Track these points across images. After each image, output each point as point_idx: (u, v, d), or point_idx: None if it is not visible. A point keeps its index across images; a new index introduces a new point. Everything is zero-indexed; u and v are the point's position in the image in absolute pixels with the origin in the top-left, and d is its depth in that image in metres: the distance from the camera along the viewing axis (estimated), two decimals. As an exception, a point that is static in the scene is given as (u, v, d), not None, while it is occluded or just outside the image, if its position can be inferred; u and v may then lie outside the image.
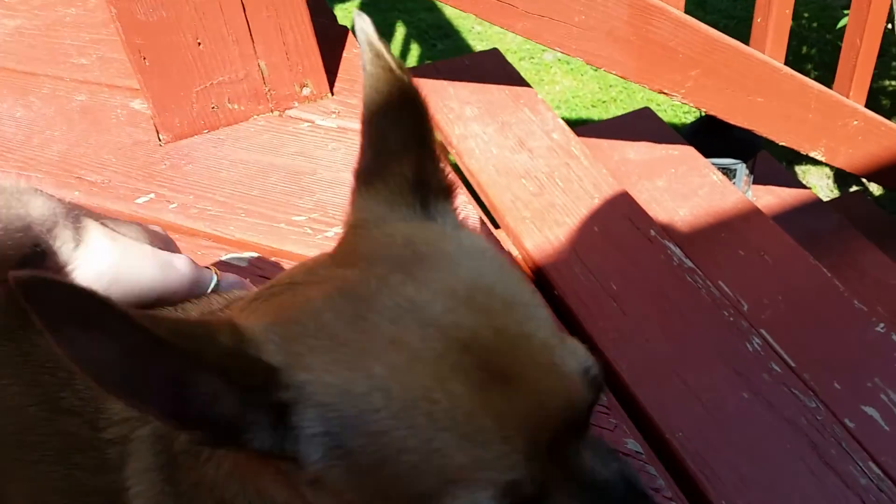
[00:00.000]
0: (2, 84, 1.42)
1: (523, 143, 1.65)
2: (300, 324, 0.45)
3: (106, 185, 1.17)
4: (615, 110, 3.16)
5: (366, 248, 0.50)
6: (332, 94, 1.32)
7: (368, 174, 0.54)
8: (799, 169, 2.92)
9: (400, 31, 3.49)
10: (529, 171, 1.58)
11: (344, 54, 1.39)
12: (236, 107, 1.25)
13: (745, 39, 1.75)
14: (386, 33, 3.50)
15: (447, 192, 0.55)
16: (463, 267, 0.49)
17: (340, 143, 1.23)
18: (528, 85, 1.78)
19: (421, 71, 1.83)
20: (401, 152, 0.53)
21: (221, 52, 1.20)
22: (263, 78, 1.25)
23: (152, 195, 1.15)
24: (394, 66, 0.54)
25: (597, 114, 3.17)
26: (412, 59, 3.37)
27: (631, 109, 3.14)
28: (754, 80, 1.70)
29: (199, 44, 1.18)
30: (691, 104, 1.69)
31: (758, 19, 1.74)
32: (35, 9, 1.61)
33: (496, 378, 0.44)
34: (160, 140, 1.24)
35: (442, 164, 0.56)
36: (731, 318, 1.30)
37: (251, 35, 1.20)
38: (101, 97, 1.36)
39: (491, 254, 0.52)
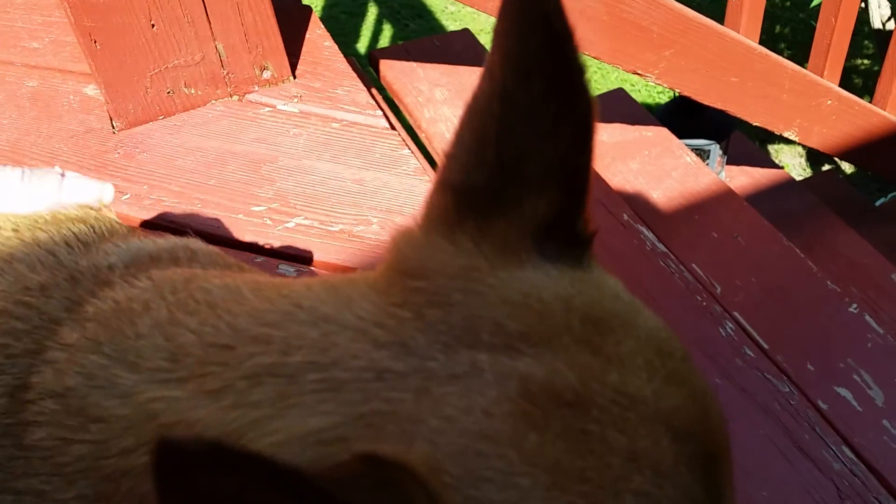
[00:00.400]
0: (-51, 71, 1.35)
1: (494, 125, 1.61)
2: (484, 455, 0.30)
3: (57, 175, 1.12)
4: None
5: (523, 320, 0.34)
6: (294, 77, 1.27)
7: (481, 200, 0.37)
8: (772, 148, 2.91)
9: (372, 11, 3.43)
10: (500, 154, 1.55)
11: (307, 35, 1.34)
12: (193, 91, 1.21)
13: (719, 17, 1.72)
14: (357, 13, 3.44)
15: (586, 242, 0.39)
16: (640, 328, 0.36)
17: (302, 129, 1.19)
18: (498, 66, 1.74)
19: (390, 52, 1.78)
20: (541, 180, 0.36)
21: (176, 33, 1.15)
22: (221, 61, 1.20)
23: (105, 185, 1.10)
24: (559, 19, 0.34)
25: (571, 94, 3.15)
26: (384, 40, 3.31)
27: (605, 89, 3.12)
28: (729, 59, 1.68)
29: (153, 25, 1.13)
30: (665, 85, 1.66)
31: (732, -2, 1.72)
32: (-16, -10, 1.54)
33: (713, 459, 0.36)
34: (114, 127, 1.19)
35: (588, 207, 0.39)
36: (704, 304, 1.28)
37: (207, 15, 1.15)
38: (53, 83, 1.30)
39: (634, 298, 0.39)
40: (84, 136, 1.19)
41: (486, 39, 3.19)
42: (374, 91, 1.52)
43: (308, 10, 1.40)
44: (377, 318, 0.35)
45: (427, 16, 3.47)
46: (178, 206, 1.07)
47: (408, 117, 1.65)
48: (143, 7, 1.11)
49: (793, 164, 2.86)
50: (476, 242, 0.37)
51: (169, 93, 1.19)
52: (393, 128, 1.18)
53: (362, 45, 3.30)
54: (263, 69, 1.24)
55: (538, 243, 0.37)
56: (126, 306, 0.42)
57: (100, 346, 0.40)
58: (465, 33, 1.87)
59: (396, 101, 1.70)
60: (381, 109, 1.24)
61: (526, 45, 0.35)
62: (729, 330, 1.24)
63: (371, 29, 3.32)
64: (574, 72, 0.35)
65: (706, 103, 1.73)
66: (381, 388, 0.32)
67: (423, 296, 0.35)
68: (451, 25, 3.42)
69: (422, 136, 1.61)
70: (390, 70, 1.72)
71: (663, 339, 0.37)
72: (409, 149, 1.14)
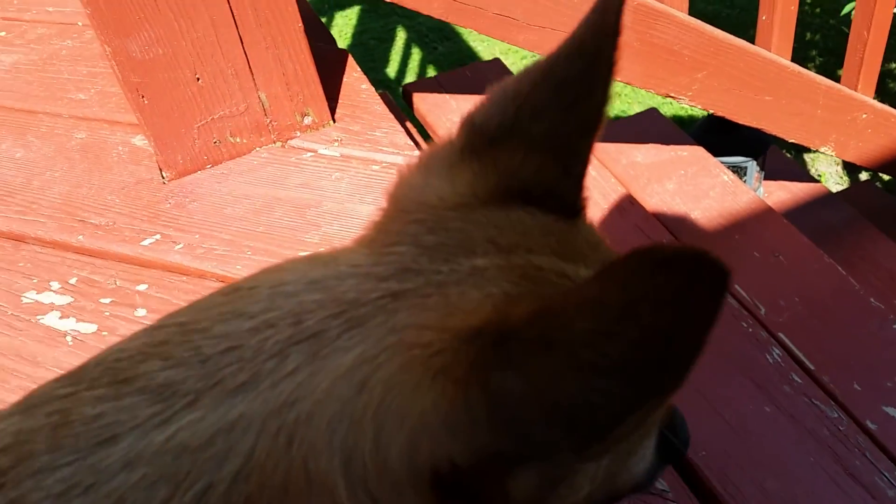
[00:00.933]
0: (1, 123, 1.40)
1: (529, 154, 1.62)
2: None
3: (111, 228, 1.16)
4: (619, 105, 3.13)
5: (512, 238, 0.41)
6: (334, 121, 1.30)
7: (485, 143, 0.43)
8: (808, 157, 2.89)
9: (400, 36, 3.47)
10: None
11: (344, 79, 1.37)
12: (238, 140, 1.24)
13: (746, 28, 1.72)
14: (386, 38, 3.48)
15: (578, 212, 0.45)
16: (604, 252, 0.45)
17: (344, 173, 1.21)
18: (531, 93, 1.76)
19: (423, 85, 1.81)
20: (542, 145, 0.42)
21: (221, 86, 1.18)
22: (264, 109, 1.23)
23: (158, 236, 1.14)
24: None
25: (600, 110, 3.15)
26: (413, 64, 3.34)
27: (633, 104, 3.11)
28: (761, 79, 1.68)
29: (198, 79, 1.17)
30: (699, 106, 1.66)
31: (763, 17, 1.71)
32: (31, 42, 1.59)
33: None
34: (163, 177, 1.23)
35: (585, 183, 0.45)
36: (750, 329, 1.28)
37: (250, 68, 1.19)
38: (102, 134, 1.34)
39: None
40: (135, 188, 1.23)
41: (514, 59, 3.20)
42: (408, 124, 1.54)
43: (344, 54, 1.42)
44: (372, 259, 0.39)
45: (455, 38, 3.50)
46: (228, 253, 1.10)
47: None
48: (188, 62, 1.15)
49: (829, 172, 2.83)
50: (471, 184, 0.42)
51: (216, 142, 1.22)
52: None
53: (392, 70, 3.34)
54: (305, 115, 1.27)
55: (524, 199, 0.42)
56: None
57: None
58: (496, 63, 1.89)
59: (430, 133, 1.72)
60: (419, 147, 1.26)
61: (586, 29, 0.42)
62: (776, 356, 1.24)
63: (400, 53, 3.36)
64: (607, 65, 0.42)
65: (740, 122, 1.73)
66: (400, 306, 0.36)
67: (423, 226, 0.41)
68: (479, 47, 3.44)
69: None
70: (423, 103, 1.75)
71: None
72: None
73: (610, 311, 0.29)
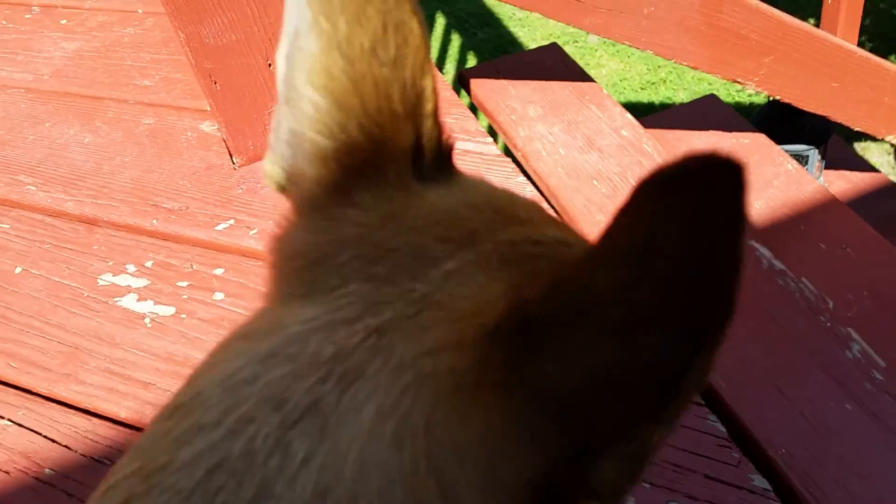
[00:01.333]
0: (67, 109, 1.41)
1: (592, 142, 1.60)
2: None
3: (184, 212, 1.16)
4: (665, 91, 3.09)
5: (457, 227, 0.37)
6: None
7: (359, 151, 0.39)
8: (858, 146, 2.83)
9: (440, 22, 3.44)
10: (601, 171, 1.54)
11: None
12: (308, 125, 1.23)
13: (800, 10, 1.68)
14: (426, 25, 3.46)
15: (449, 155, 0.42)
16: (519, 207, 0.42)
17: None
18: (591, 80, 1.73)
19: (480, 71, 1.78)
20: (402, 112, 0.39)
21: (292, 70, 1.17)
22: (335, 95, 1.22)
23: (232, 221, 1.13)
24: None
25: (646, 96, 3.10)
26: (454, 50, 3.32)
27: (681, 90, 3.07)
28: (829, 64, 1.64)
29: (270, 64, 1.16)
30: (765, 92, 1.63)
31: (828, 0, 1.67)
32: (92, 30, 1.60)
33: None
34: (234, 163, 1.22)
35: (443, 125, 0.41)
36: (829, 324, 1.25)
37: (321, 52, 1.17)
38: (169, 120, 1.34)
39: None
40: (206, 173, 1.22)
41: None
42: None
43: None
44: (326, 307, 0.33)
45: (494, 23, 3.47)
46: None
47: (502, 136, 1.65)
48: (261, 48, 1.14)
49: (881, 162, 2.77)
50: (372, 191, 0.37)
51: (286, 128, 1.21)
52: (506, 154, 1.18)
53: (432, 56, 3.32)
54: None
55: (418, 173, 0.38)
56: None
57: None
58: (554, 48, 1.86)
59: (490, 120, 1.70)
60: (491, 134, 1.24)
61: None
62: (855, 352, 1.21)
63: (440, 40, 3.33)
64: (402, 6, 0.39)
65: (806, 109, 1.69)
66: (394, 338, 0.31)
67: (361, 259, 0.35)
68: (520, 32, 3.41)
69: (518, 154, 1.61)
70: (481, 89, 1.73)
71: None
72: (524, 175, 1.14)
73: (630, 254, 0.25)
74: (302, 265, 0.36)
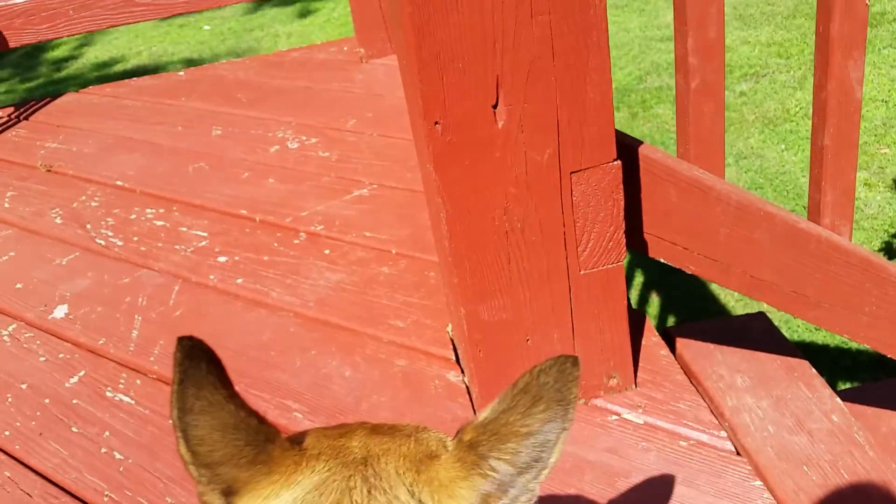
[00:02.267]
0: (329, 339, 1.61)
1: (802, 423, 1.63)
2: None
3: (435, 465, 1.29)
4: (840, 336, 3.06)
5: None
6: (636, 385, 1.39)
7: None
8: None
9: (638, 272, 3.60)
10: (811, 457, 1.55)
11: (643, 342, 1.47)
12: (551, 396, 1.36)
13: None
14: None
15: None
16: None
17: (651, 444, 1.28)
18: (800, 356, 1.78)
19: (686, 331, 1.88)
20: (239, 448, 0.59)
21: (545, 347, 1.32)
22: (579, 372, 1.35)
23: (478, 481, 1.25)
24: None
25: (821, 337, 3.11)
26: (654, 304, 3.43)
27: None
28: None
29: (528, 340, 1.31)
30: (869, 345, 1.64)
31: None
32: (352, 264, 1.84)
33: None
34: (481, 422, 1.36)
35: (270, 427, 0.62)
36: None
37: (573, 334, 1.32)
38: (419, 364, 1.51)
39: None
40: (451, 424, 1.36)
41: (753, 307, 3.22)
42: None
43: (643, 316, 1.54)
44: (309, 481, 0.59)
45: (692, 279, 3.60)
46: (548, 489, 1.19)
47: (708, 403, 1.71)
48: (523, 328, 1.30)
49: None
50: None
51: (532, 397, 1.35)
52: (739, 453, 1.24)
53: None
54: (611, 377, 1.37)
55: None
56: None
57: None
58: (762, 317, 1.93)
59: (694, 383, 1.78)
60: (722, 426, 1.31)
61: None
62: None
63: (638, 289, 3.48)
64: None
65: None
66: (379, 470, 0.61)
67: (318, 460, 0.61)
68: (715, 287, 3.49)
69: (724, 425, 1.66)
70: (687, 350, 1.81)
71: None
72: (761, 479, 1.19)
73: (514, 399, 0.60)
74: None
